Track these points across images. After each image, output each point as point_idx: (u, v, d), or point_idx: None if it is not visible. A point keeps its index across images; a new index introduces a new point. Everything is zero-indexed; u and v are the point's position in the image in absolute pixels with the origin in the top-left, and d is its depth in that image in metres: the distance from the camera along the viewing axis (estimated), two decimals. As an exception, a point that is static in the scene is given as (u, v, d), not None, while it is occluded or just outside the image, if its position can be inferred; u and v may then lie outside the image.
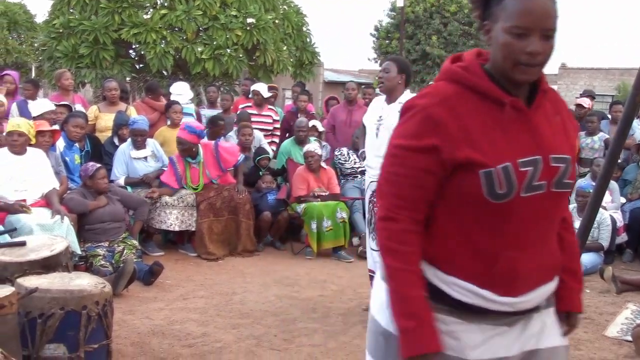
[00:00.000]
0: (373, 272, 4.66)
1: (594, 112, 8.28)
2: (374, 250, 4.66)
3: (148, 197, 6.24)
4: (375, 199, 4.53)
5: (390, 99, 4.57)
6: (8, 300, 2.84)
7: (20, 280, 3.25)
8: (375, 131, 4.57)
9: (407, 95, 4.55)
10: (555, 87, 15.78)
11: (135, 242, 5.76)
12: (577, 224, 6.42)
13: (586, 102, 8.88)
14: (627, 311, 5.13)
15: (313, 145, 6.94)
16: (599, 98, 16.06)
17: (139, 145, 6.57)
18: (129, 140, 6.62)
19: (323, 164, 7.05)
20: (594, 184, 6.67)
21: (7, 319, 2.84)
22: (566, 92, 24.34)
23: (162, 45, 12.22)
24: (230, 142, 7.22)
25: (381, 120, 4.52)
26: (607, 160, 2.63)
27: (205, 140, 6.82)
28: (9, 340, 2.89)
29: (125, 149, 6.56)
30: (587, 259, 6.25)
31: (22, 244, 4.03)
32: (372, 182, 4.64)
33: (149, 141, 6.74)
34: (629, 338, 4.41)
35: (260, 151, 7.30)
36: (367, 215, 4.78)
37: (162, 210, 6.28)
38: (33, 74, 26.58)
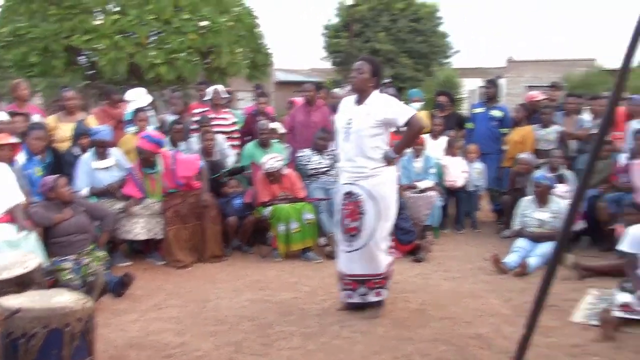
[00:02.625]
0: (357, 276, 4.71)
1: (547, 104, 8.53)
2: (348, 251, 4.71)
3: (121, 211, 6.17)
4: (347, 202, 4.61)
5: (360, 100, 4.62)
6: (-9, 321, 2.81)
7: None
8: (344, 135, 4.62)
9: (376, 96, 4.62)
10: (503, 80, 16.17)
11: (103, 254, 5.70)
12: (536, 214, 6.69)
13: (537, 95, 9.15)
14: (590, 297, 5.34)
15: (272, 161, 6.85)
16: (544, 89, 16.53)
17: (101, 155, 6.49)
18: (91, 150, 6.53)
19: (285, 170, 7.05)
20: (549, 175, 6.94)
21: (-9, 341, 2.81)
22: (513, 85, 24.90)
23: (115, 51, 12.01)
24: (192, 149, 7.19)
25: (350, 123, 4.58)
26: (590, 157, 2.75)
27: (166, 149, 6.77)
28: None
29: (87, 160, 6.47)
30: (549, 248, 6.46)
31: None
32: (345, 184, 4.71)
33: (113, 150, 6.66)
34: (596, 322, 4.60)
35: (216, 167, 7.20)
36: (337, 217, 4.81)
37: (128, 219, 6.23)
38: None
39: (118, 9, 12.51)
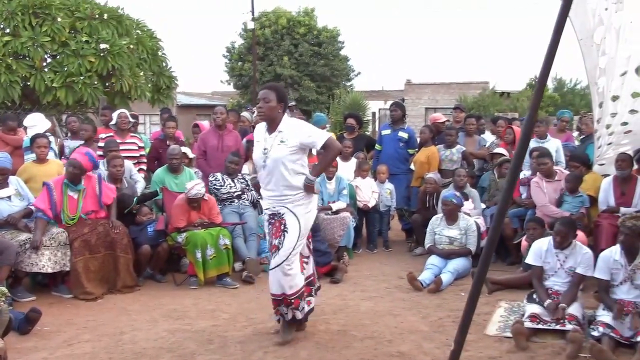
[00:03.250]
0: (278, 295, 4.67)
1: (451, 126, 8.89)
2: (270, 269, 4.65)
3: (32, 247, 5.82)
4: (273, 221, 4.56)
5: (271, 129, 4.62)
6: None
7: None
8: (262, 164, 4.61)
9: (286, 122, 4.64)
10: (403, 101, 16.76)
11: (4, 289, 5.29)
12: (446, 232, 6.92)
13: (440, 117, 9.53)
14: (501, 309, 5.57)
15: (197, 187, 6.70)
16: (442, 110, 17.21)
17: (0, 184, 6.10)
18: (-13, 179, 6.13)
19: (205, 195, 6.91)
20: (457, 194, 7.20)
21: None
22: (412, 107, 25.80)
23: (8, 74, 11.39)
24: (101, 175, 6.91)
25: (267, 152, 4.57)
26: (509, 178, 2.86)
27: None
28: None
29: (-16, 189, 6.06)
30: (459, 263, 6.70)
31: None
32: (266, 209, 4.71)
33: (12, 179, 6.28)
34: (508, 334, 4.79)
35: (128, 200, 6.97)
36: (267, 238, 4.80)
37: (33, 252, 5.86)
38: None
39: (9, 30, 11.88)
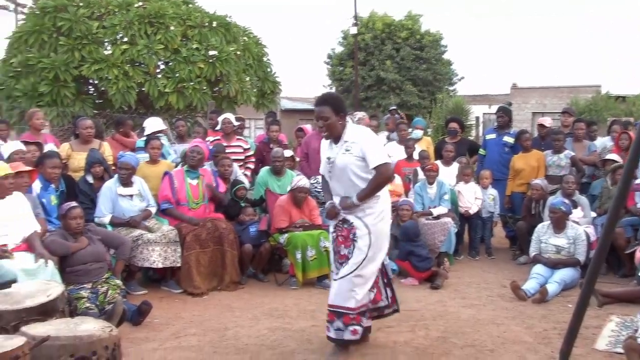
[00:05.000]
0: (335, 307, 4.44)
1: (558, 131, 8.54)
2: (334, 279, 4.47)
3: (137, 239, 6.20)
4: (341, 227, 4.45)
5: (337, 140, 4.44)
6: (21, 350, 2.77)
7: (25, 329, 3.16)
8: (328, 174, 4.51)
9: (351, 131, 4.41)
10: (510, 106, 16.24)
11: (119, 282, 5.64)
12: (553, 240, 6.64)
13: (547, 121, 9.18)
14: (612, 323, 5.28)
15: (304, 180, 6.93)
16: (550, 115, 16.53)
17: (125, 181, 6.49)
18: (116, 176, 6.54)
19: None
20: (566, 201, 6.90)
21: (21, 370, 2.76)
22: (518, 111, 24.95)
23: (124, 80, 12.08)
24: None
25: (332, 161, 4.42)
26: (621, 185, 2.71)
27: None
28: (22, 392, 2.81)
29: (111, 186, 6.47)
30: (567, 274, 6.42)
31: (13, 281, 4.00)
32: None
33: (136, 179, 6.66)
34: (620, 350, 4.53)
35: (235, 182, 7.29)
36: (332, 246, 4.62)
37: (145, 247, 6.18)
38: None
39: (127, 39, 12.60)
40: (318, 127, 4.48)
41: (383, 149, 4.54)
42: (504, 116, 8.87)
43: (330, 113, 4.33)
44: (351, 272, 4.34)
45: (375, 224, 4.38)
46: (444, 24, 68.66)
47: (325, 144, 4.61)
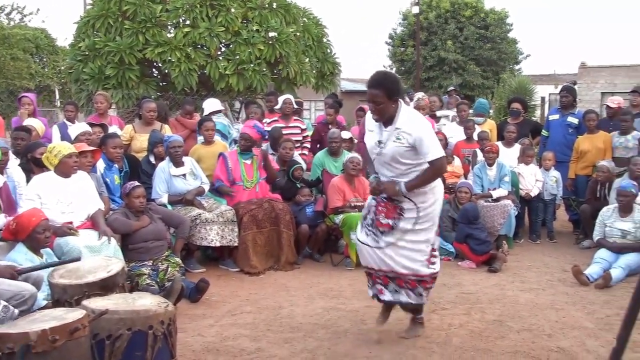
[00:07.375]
0: (370, 269, 4.41)
1: (627, 111, 8.19)
2: (376, 247, 4.31)
3: (196, 218, 6.33)
4: (385, 202, 4.31)
5: (387, 123, 4.16)
6: (81, 323, 2.88)
7: (85, 303, 3.29)
8: (376, 156, 4.26)
9: (405, 116, 4.12)
10: (576, 86, 15.67)
11: (179, 260, 5.80)
12: (618, 224, 6.41)
13: (615, 102, 8.80)
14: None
15: (358, 156, 6.92)
16: (621, 95, 15.87)
17: (177, 161, 6.64)
18: (167, 158, 6.69)
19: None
20: (635, 183, 6.63)
21: (80, 342, 2.88)
22: (587, 92, 24.07)
23: (187, 63, 12.28)
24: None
25: (382, 146, 4.17)
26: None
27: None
28: (82, 362, 2.93)
29: (164, 167, 6.63)
30: (632, 259, 6.19)
31: (77, 259, 4.15)
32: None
33: (187, 159, 6.80)
34: (686, 338, 4.35)
35: (292, 163, 7.33)
36: (365, 213, 4.45)
37: (203, 226, 6.31)
38: (57, 96, 26.97)
39: (189, 22, 12.78)
40: (370, 111, 4.19)
41: (437, 141, 4.26)
42: (568, 96, 8.57)
43: (383, 98, 4.03)
44: (399, 240, 4.20)
45: (421, 202, 4.21)
46: (509, 0, 66.81)
47: (371, 122, 4.31)
